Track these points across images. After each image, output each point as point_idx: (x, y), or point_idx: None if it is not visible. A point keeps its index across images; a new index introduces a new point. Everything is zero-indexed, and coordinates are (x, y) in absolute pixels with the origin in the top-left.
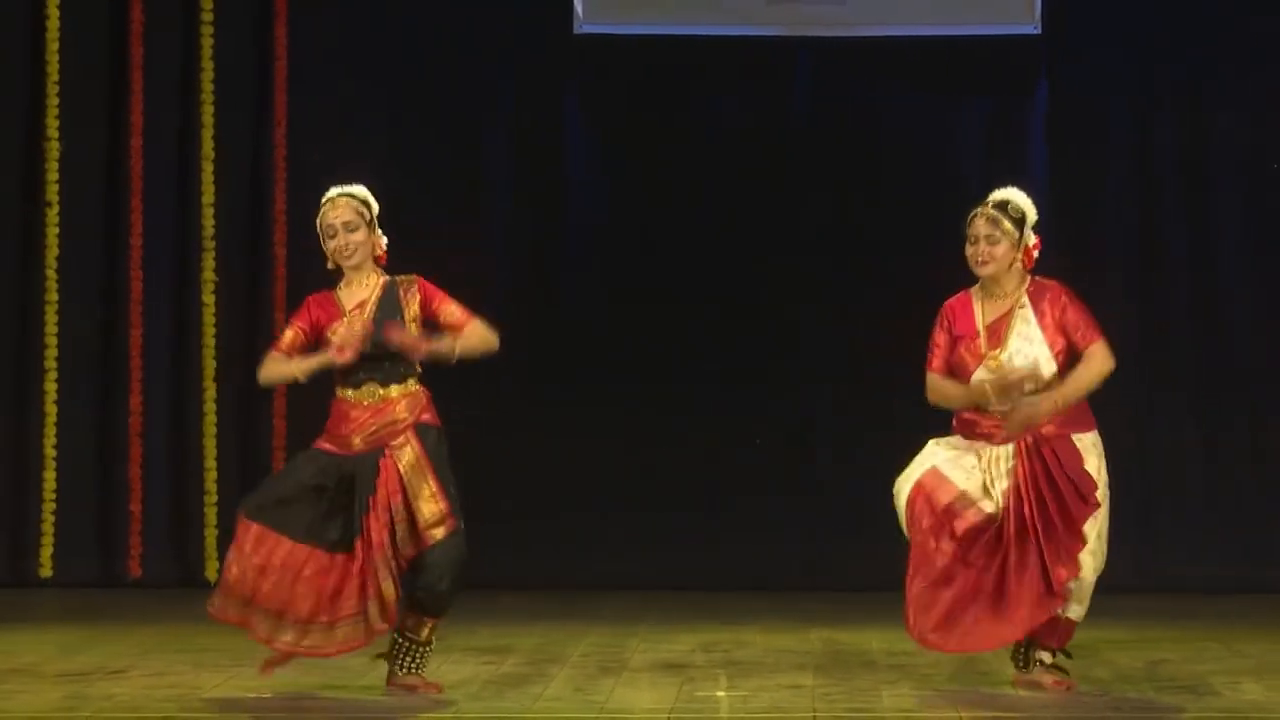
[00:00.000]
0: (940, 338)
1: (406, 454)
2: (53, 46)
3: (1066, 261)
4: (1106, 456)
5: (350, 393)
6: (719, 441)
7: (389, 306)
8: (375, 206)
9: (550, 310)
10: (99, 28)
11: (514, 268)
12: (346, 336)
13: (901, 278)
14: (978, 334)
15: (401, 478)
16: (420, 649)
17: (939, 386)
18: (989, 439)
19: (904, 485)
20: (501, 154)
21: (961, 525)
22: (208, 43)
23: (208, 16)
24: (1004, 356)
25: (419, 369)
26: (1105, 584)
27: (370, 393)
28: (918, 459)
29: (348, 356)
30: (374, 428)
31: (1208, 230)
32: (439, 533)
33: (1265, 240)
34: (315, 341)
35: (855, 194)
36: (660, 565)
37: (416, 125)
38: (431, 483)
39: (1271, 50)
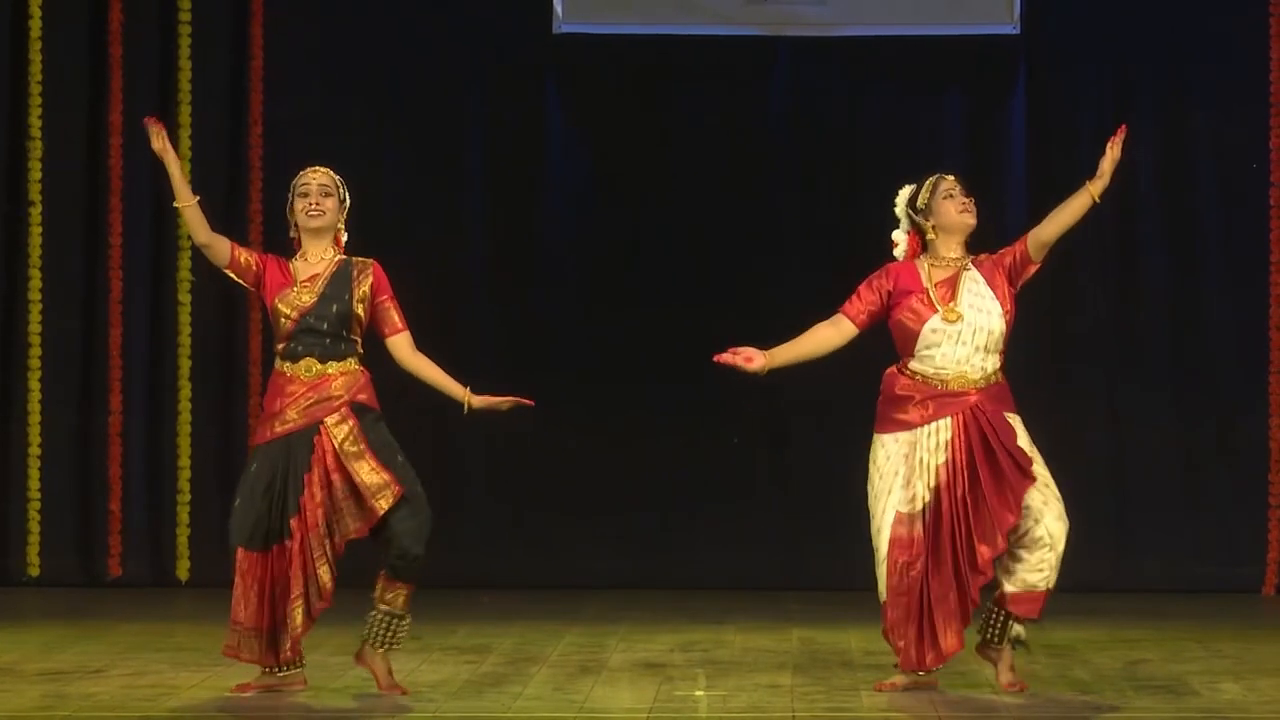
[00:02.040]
0: (866, 293)
1: (342, 430)
2: (35, 47)
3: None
4: (1084, 455)
5: (287, 366)
6: (696, 441)
7: (340, 282)
8: (348, 198)
9: (527, 309)
10: (79, 28)
11: (491, 266)
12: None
13: None
14: (926, 290)
15: (338, 454)
16: (397, 621)
17: (826, 327)
18: (920, 418)
19: (880, 543)
20: (480, 153)
21: (919, 542)
22: (185, 42)
23: (185, 16)
24: (960, 308)
25: (361, 350)
26: (1083, 584)
27: (307, 367)
28: (875, 505)
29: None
30: (310, 401)
31: (1183, 229)
32: (385, 501)
33: (1240, 239)
34: (255, 284)
35: (834, 193)
36: (639, 565)
37: (394, 125)
38: (369, 458)
39: (1247, 50)
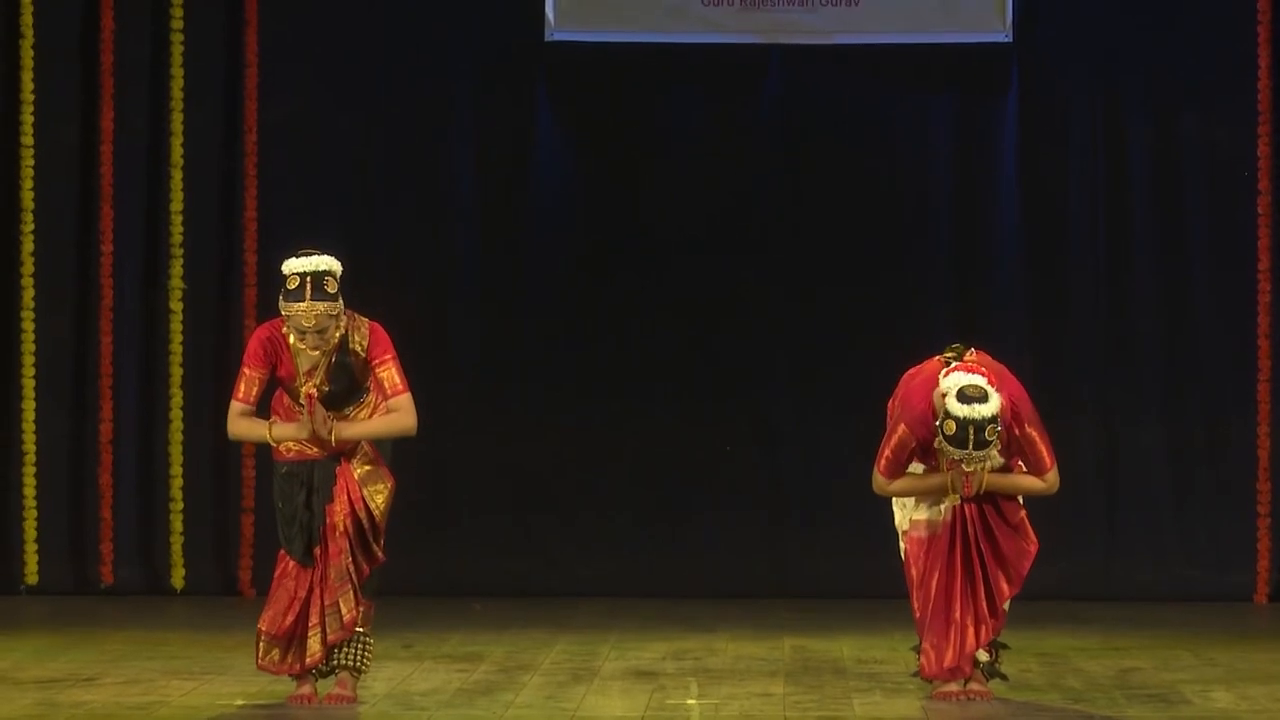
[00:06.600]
0: (896, 443)
1: (361, 467)
2: (28, 54)
3: (1035, 265)
4: (1074, 463)
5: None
6: (689, 449)
7: (341, 365)
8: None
9: (519, 317)
10: (71, 34)
11: (483, 273)
12: (313, 428)
13: (872, 283)
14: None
15: (361, 488)
16: (360, 638)
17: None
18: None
19: (903, 544)
20: (471, 161)
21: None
22: (178, 50)
23: (178, 24)
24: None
25: (370, 386)
26: (1075, 591)
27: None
28: (901, 515)
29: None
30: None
31: (1174, 233)
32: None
33: (1230, 243)
34: (271, 379)
35: (825, 201)
36: (631, 572)
37: (387, 133)
38: (383, 494)
39: (1236, 56)
